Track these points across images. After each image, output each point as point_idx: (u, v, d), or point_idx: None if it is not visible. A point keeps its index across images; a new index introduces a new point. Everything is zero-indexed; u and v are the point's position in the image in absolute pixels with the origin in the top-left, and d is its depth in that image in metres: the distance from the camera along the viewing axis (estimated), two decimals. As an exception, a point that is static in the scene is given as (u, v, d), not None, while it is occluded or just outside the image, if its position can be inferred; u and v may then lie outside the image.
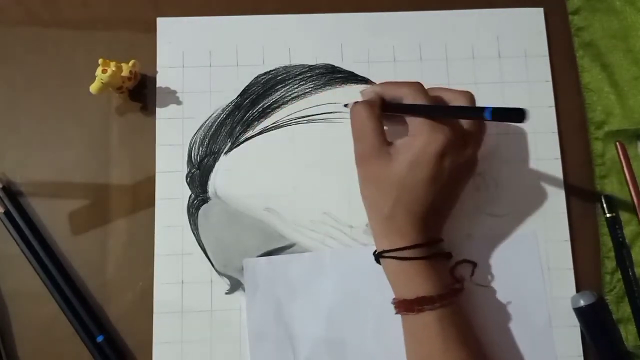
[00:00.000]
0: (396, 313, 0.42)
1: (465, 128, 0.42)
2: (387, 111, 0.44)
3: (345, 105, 0.48)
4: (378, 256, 0.43)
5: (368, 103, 0.43)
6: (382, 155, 0.41)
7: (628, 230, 0.49)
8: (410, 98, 0.42)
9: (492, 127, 0.50)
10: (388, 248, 0.42)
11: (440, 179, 0.41)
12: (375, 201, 0.42)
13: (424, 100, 0.42)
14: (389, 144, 0.42)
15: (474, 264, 0.47)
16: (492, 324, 0.46)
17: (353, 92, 0.48)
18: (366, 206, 0.44)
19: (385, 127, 0.43)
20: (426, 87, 0.43)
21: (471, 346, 0.42)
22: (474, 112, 0.40)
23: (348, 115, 0.46)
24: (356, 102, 0.44)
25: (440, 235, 0.44)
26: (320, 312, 0.46)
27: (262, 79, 0.50)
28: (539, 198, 0.49)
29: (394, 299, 0.42)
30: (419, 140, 0.40)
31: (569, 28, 0.52)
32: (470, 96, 0.43)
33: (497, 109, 0.36)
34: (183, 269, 0.47)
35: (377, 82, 0.50)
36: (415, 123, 0.41)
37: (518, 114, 0.34)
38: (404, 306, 0.41)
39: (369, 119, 0.42)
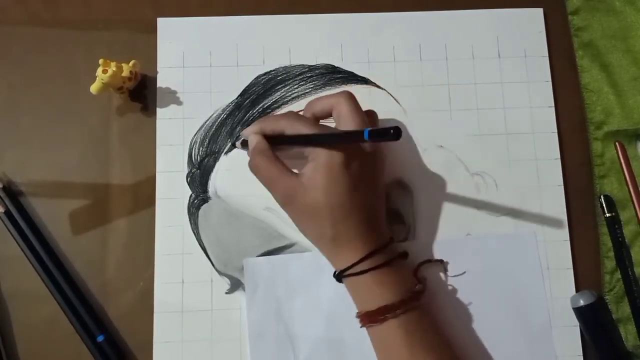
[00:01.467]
0: (361, 327, 0.42)
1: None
2: (275, 145, 0.44)
3: (234, 145, 0.48)
4: (339, 277, 0.43)
5: (259, 150, 0.43)
6: (298, 189, 0.41)
7: (627, 230, 0.49)
8: (289, 129, 0.42)
9: (491, 127, 0.50)
10: (345, 266, 0.42)
11: (358, 184, 0.41)
12: (315, 230, 0.42)
13: (303, 125, 0.42)
14: (298, 175, 0.42)
15: (441, 261, 0.47)
16: (491, 323, 0.46)
17: (353, 92, 0.48)
18: (310, 239, 0.44)
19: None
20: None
21: (439, 350, 0.42)
22: (353, 136, 0.41)
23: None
24: (250, 157, 0.44)
25: (388, 234, 0.44)
26: (320, 311, 0.46)
27: (263, 79, 0.50)
28: (539, 198, 0.49)
29: (357, 313, 0.42)
30: (320, 160, 0.41)
31: (569, 28, 0.52)
32: (348, 95, 0.43)
33: (373, 131, 0.37)
34: (183, 268, 0.47)
35: (377, 82, 0.50)
36: (308, 147, 0.42)
37: (394, 133, 0.36)
38: (367, 318, 0.41)
39: (268, 163, 0.43)
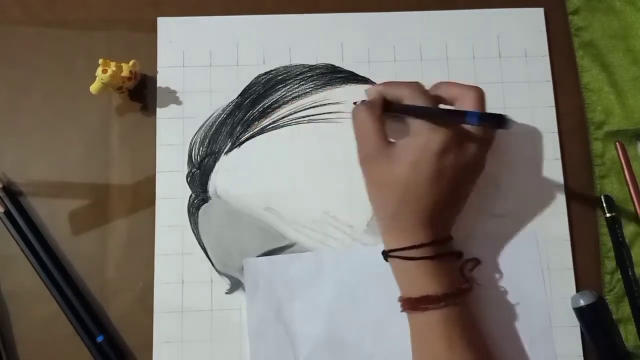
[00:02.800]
0: (402, 311, 0.42)
1: (468, 129, 0.42)
2: (388, 111, 0.44)
3: (355, 103, 0.48)
4: (385, 255, 0.43)
5: (369, 104, 0.44)
6: (384, 156, 0.41)
7: (628, 230, 0.49)
8: (409, 99, 0.42)
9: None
10: (395, 247, 0.42)
11: (443, 177, 0.41)
12: (380, 201, 0.43)
13: (424, 101, 0.42)
14: (391, 144, 0.42)
15: (477, 261, 0.47)
16: (492, 323, 0.46)
17: (353, 92, 0.48)
18: (372, 206, 0.44)
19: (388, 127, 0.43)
20: (428, 86, 0.43)
21: (477, 348, 0.42)
22: (463, 116, 0.40)
23: (349, 115, 0.46)
24: (357, 104, 0.44)
25: (449, 233, 0.44)
26: (320, 311, 0.46)
27: (263, 78, 0.50)
28: (539, 198, 0.49)
29: (400, 296, 0.43)
30: (419, 140, 0.41)
31: (569, 28, 0.52)
32: (478, 93, 0.42)
33: (484, 114, 0.37)
34: (183, 268, 0.47)
35: (378, 82, 0.50)
36: (415, 123, 0.41)
37: (504, 121, 0.36)
38: (409, 304, 0.41)
39: (371, 120, 0.43)
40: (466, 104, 0.42)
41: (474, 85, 0.43)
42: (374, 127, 0.42)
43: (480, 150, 0.43)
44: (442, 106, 0.44)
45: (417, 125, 0.41)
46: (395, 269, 0.43)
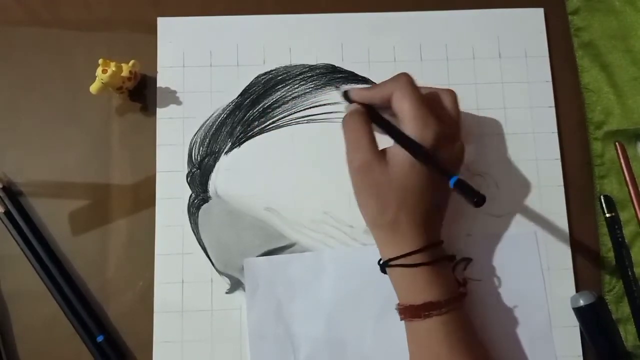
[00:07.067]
0: (401, 319, 0.42)
1: (450, 121, 0.42)
2: (374, 121, 0.44)
3: (338, 89, 0.48)
4: (384, 265, 0.42)
5: (359, 112, 0.43)
6: (379, 162, 0.41)
7: (627, 231, 0.49)
8: (397, 94, 0.41)
9: (492, 128, 0.50)
10: (395, 255, 0.41)
11: (437, 177, 0.41)
12: (377, 209, 0.41)
13: (410, 95, 0.41)
14: (383, 149, 0.42)
15: (469, 260, 0.47)
16: (491, 323, 0.46)
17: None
18: (366, 215, 0.43)
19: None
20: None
21: (477, 351, 0.42)
22: (442, 170, 0.39)
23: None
24: (347, 113, 0.44)
25: (440, 236, 0.44)
26: (320, 311, 0.46)
27: (263, 78, 0.50)
28: (539, 198, 0.49)
29: (398, 304, 0.42)
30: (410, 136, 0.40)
31: (569, 28, 0.52)
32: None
33: (460, 182, 0.37)
34: (183, 268, 0.47)
35: (378, 82, 0.50)
36: (405, 122, 0.41)
37: (477, 201, 0.36)
38: (410, 312, 0.41)
39: (362, 127, 0.42)
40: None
41: (448, 88, 0.44)
42: (367, 134, 0.42)
43: (459, 142, 0.43)
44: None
45: (407, 125, 0.40)
46: (395, 278, 0.42)
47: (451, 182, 0.37)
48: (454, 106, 0.43)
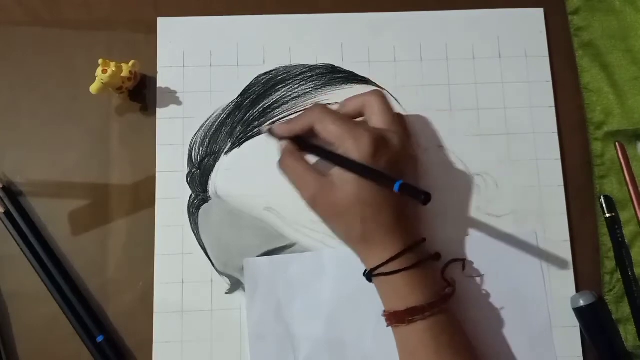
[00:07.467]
0: (387, 326, 0.42)
1: (382, 128, 0.43)
2: (304, 150, 0.45)
3: (261, 131, 0.49)
4: (369, 275, 0.43)
5: (288, 151, 0.45)
6: (328, 188, 0.42)
7: (627, 231, 0.49)
8: (319, 124, 0.43)
9: (492, 127, 0.50)
10: (377, 264, 0.42)
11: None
12: (344, 228, 0.43)
13: (332, 121, 0.42)
14: (327, 175, 0.43)
15: (464, 260, 0.47)
16: (492, 324, 0.46)
17: (353, 92, 0.48)
18: (339, 237, 0.45)
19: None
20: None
21: (465, 354, 0.42)
22: (384, 179, 0.40)
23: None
24: (280, 157, 0.46)
25: (420, 234, 0.44)
26: (320, 312, 0.46)
27: (263, 78, 0.50)
28: (539, 198, 0.49)
29: (384, 311, 0.42)
30: (352, 157, 0.41)
31: (569, 28, 0.52)
32: (379, 94, 0.44)
33: (405, 185, 0.38)
34: (183, 268, 0.47)
35: (378, 82, 0.50)
36: (336, 144, 0.42)
37: (425, 198, 0.37)
38: (395, 318, 0.41)
39: (300, 165, 0.44)
40: (374, 110, 0.44)
41: (373, 89, 0.46)
42: (303, 168, 0.44)
43: (402, 140, 0.43)
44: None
45: (340, 142, 0.42)
46: (378, 287, 0.43)
47: (395, 187, 0.38)
48: (383, 106, 0.44)
